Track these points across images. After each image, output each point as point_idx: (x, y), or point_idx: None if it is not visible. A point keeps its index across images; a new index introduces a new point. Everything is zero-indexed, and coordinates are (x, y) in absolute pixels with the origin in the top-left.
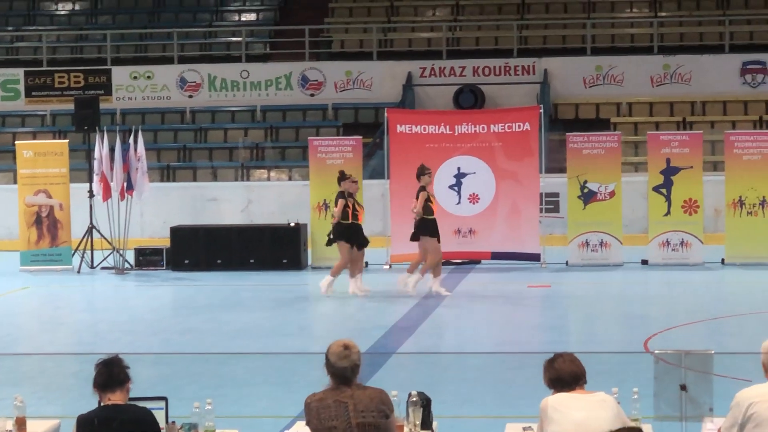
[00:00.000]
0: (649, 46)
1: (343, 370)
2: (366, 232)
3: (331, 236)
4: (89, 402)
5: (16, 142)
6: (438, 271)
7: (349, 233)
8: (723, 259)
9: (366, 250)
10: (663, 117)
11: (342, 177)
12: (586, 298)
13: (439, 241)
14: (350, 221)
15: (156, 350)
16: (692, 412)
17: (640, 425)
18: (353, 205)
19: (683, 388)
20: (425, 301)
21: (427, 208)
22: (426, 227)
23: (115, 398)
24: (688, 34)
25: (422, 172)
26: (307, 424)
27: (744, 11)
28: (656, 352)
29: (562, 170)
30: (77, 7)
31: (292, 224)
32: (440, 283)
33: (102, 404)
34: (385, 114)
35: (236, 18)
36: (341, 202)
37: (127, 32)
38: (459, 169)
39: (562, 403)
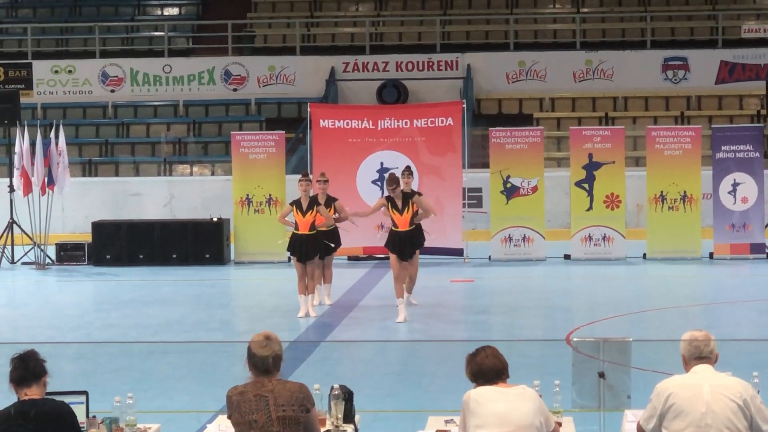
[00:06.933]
0: (571, 41)
1: (264, 360)
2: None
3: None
4: (8, 398)
5: None
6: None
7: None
8: (645, 254)
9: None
10: (585, 112)
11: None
12: (509, 293)
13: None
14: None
15: (77, 345)
16: (611, 400)
17: (561, 418)
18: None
19: (601, 375)
20: (347, 297)
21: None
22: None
23: (32, 393)
24: (610, 30)
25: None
26: (229, 417)
27: (665, 8)
28: (574, 340)
29: (485, 165)
30: None
31: (215, 219)
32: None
33: (19, 400)
34: (308, 109)
35: (158, 12)
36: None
37: (48, 26)
38: (382, 164)
39: (483, 396)
